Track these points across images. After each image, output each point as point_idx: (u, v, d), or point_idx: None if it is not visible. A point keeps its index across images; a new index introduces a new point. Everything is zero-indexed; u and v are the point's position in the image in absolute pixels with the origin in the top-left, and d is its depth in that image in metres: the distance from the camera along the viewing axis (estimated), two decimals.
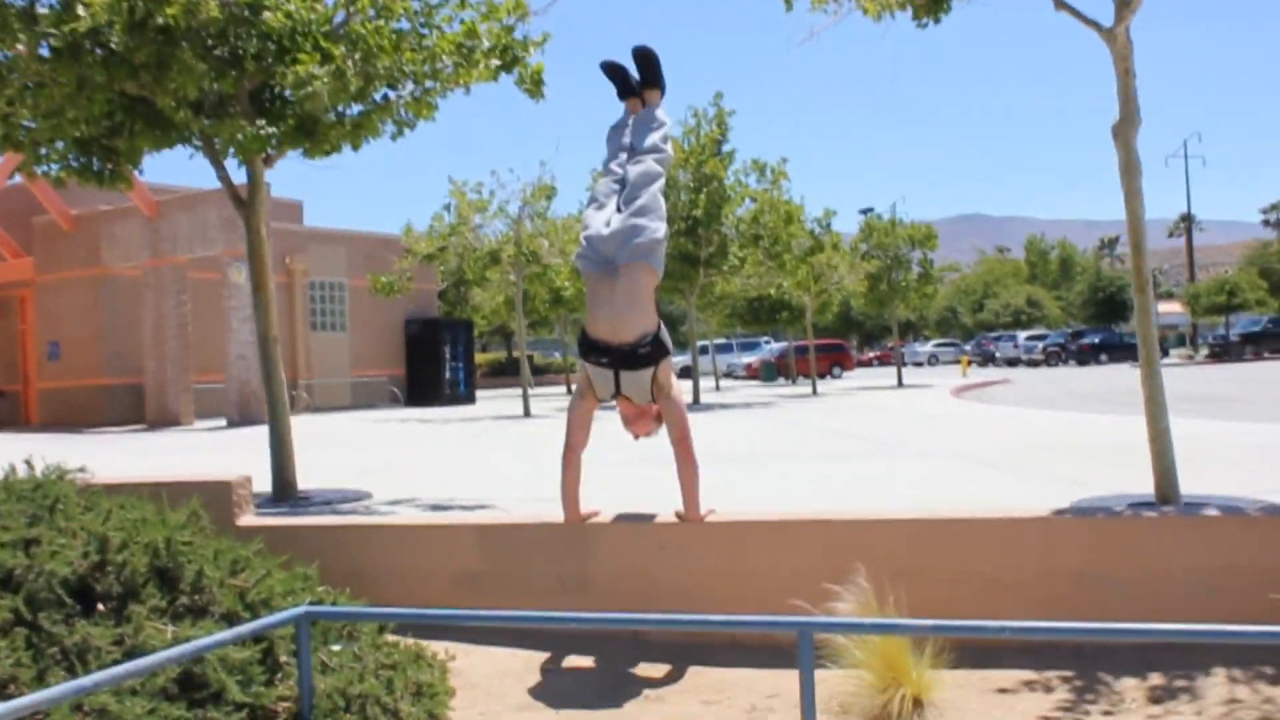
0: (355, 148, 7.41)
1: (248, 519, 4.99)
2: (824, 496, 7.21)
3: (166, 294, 21.46)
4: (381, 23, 6.95)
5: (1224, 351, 44.50)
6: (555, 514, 4.72)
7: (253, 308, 7.88)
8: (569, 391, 33.50)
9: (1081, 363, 45.89)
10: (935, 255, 30.62)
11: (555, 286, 27.04)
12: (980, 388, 27.47)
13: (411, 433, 16.42)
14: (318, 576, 3.76)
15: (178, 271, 21.41)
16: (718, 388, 33.48)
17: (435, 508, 7.13)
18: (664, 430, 4.52)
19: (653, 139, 4.67)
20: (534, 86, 7.53)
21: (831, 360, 41.52)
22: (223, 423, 20.61)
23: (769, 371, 40.47)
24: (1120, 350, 45.94)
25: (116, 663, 2.91)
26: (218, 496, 4.83)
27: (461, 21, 7.24)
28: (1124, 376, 31.09)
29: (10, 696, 2.62)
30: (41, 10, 6.35)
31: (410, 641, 3.58)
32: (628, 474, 8.12)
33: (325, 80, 6.59)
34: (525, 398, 21.17)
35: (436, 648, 3.67)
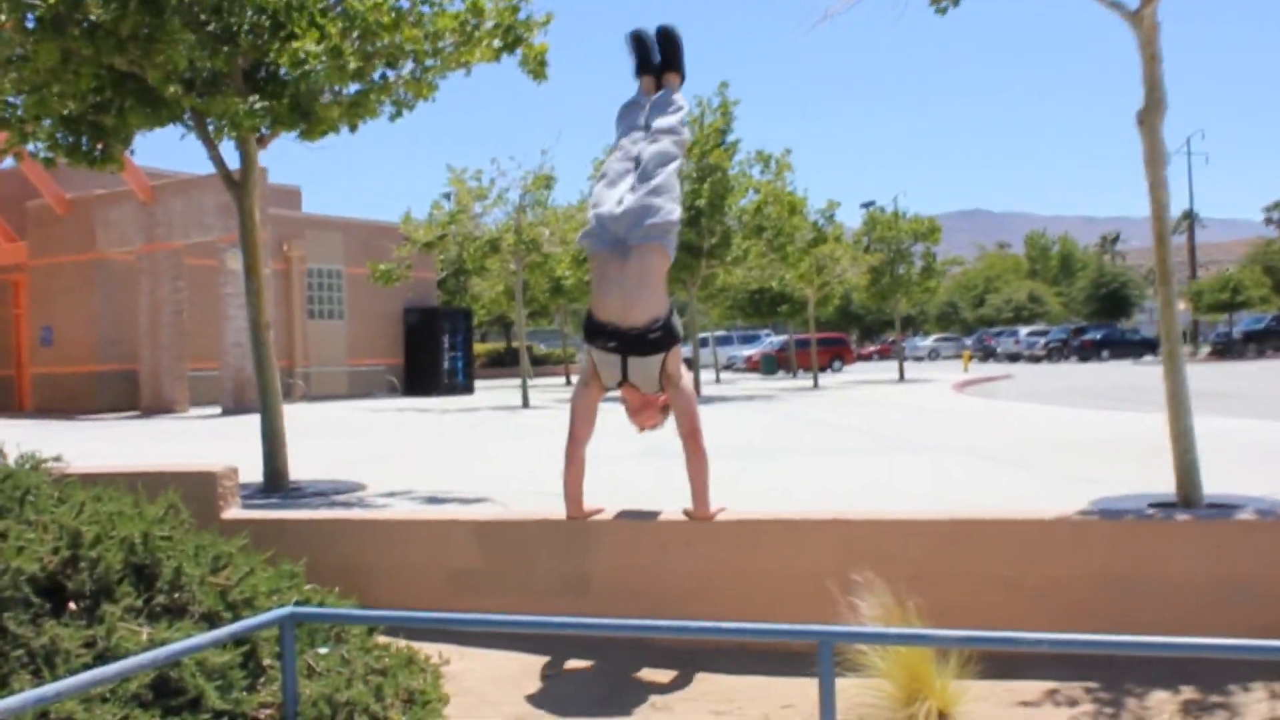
0: (352, 129, 7.22)
1: (233, 512, 4.78)
2: (831, 492, 7.03)
3: (162, 280, 21.23)
4: None
5: (1227, 349, 44.32)
6: (555, 508, 4.53)
7: (245, 293, 7.67)
8: (568, 383, 33.33)
9: (1083, 359, 45.65)
10: (937, 250, 30.42)
11: (555, 276, 26.79)
12: (982, 383, 27.26)
13: (408, 422, 16.24)
14: (305, 574, 3.57)
15: (173, 257, 21.18)
16: (718, 380, 33.31)
17: (431, 500, 6.95)
18: (671, 422, 4.32)
19: (671, 121, 4.48)
20: (538, 68, 7.36)
21: (832, 354, 41.41)
22: (218, 410, 20.42)
23: (769, 364, 40.31)
24: (1122, 346, 45.81)
25: (87, 666, 2.73)
26: (202, 488, 4.62)
27: None
28: (1126, 373, 30.93)
29: None
30: None
31: (402, 644, 3.40)
32: (631, 467, 7.92)
33: (322, 58, 6.38)
34: (524, 388, 20.99)
35: (429, 650, 3.49)
